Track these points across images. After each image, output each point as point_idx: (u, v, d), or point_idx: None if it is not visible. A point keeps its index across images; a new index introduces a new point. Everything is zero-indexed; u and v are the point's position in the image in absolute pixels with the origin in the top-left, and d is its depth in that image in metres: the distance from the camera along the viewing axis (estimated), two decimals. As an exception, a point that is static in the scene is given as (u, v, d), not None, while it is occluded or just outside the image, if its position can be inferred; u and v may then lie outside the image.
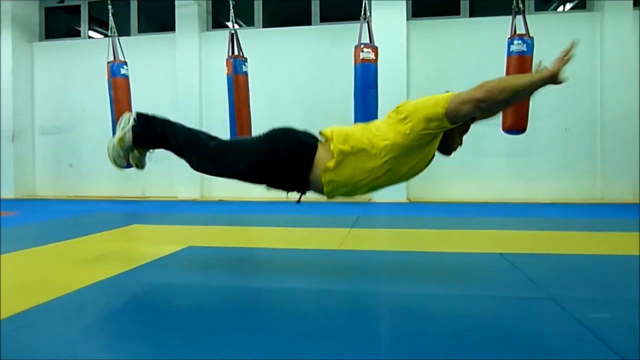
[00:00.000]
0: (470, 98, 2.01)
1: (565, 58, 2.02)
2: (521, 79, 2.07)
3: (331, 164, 2.16)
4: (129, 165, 2.59)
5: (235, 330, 1.68)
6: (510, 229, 4.27)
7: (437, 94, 2.16)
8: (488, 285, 2.28)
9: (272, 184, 2.33)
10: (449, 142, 2.25)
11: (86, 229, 4.23)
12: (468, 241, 3.61)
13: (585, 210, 6.41)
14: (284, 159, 2.21)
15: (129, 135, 2.40)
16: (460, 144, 2.29)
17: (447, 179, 8.06)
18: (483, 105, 2.01)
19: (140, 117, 2.45)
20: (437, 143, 2.19)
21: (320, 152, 2.19)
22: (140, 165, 2.61)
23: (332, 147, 2.17)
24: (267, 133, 2.32)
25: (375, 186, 2.22)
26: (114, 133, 6.77)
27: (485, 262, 2.76)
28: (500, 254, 2.97)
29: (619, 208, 6.60)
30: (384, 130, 2.16)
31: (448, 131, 2.16)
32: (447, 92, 2.20)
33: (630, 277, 2.46)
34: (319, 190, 2.26)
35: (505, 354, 1.46)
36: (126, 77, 6.79)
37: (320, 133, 2.26)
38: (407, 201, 7.74)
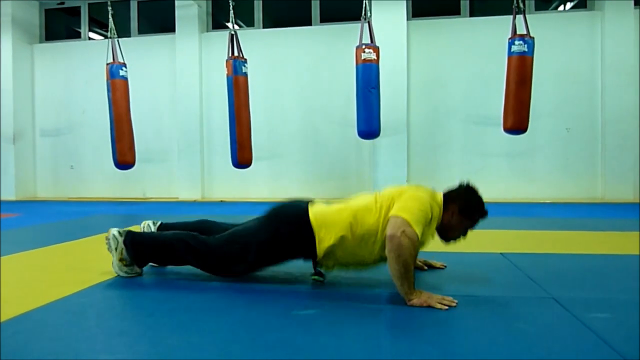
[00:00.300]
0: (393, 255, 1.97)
1: (437, 305, 1.90)
2: (402, 278, 1.95)
3: (320, 254, 2.18)
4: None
5: (235, 331, 1.68)
6: (512, 229, 4.26)
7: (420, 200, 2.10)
8: (489, 285, 2.28)
9: (284, 258, 2.32)
10: (449, 233, 2.24)
11: (87, 231, 4.24)
12: (469, 241, 3.59)
13: (586, 209, 6.41)
14: (287, 236, 2.22)
15: (125, 251, 2.39)
16: (464, 236, 2.26)
17: (447, 178, 8.04)
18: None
19: (127, 233, 2.42)
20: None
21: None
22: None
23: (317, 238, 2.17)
24: (264, 216, 2.32)
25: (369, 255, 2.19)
26: (112, 136, 6.75)
27: (486, 262, 2.76)
28: (502, 253, 2.97)
29: (619, 208, 6.60)
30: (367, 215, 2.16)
31: (446, 223, 2.19)
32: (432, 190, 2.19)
33: (631, 277, 2.46)
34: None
35: (507, 354, 1.46)
36: (125, 78, 6.79)
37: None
38: (408, 201, 7.73)
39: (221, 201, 8.34)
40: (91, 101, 9.07)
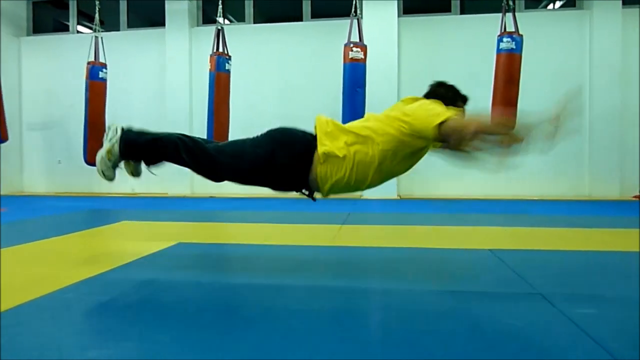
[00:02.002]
0: (465, 127, 1.99)
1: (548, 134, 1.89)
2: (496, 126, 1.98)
3: (322, 161, 2.17)
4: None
5: (226, 328, 1.67)
6: (500, 226, 4.29)
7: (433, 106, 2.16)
8: (477, 281, 2.29)
9: (273, 184, 2.32)
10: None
11: (74, 226, 4.20)
12: (457, 237, 3.63)
13: (573, 207, 6.47)
14: (284, 158, 2.21)
15: (117, 147, 2.35)
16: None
17: (437, 175, 8.08)
18: (470, 139, 1.97)
19: (128, 130, 2.39)
20: (423, 153, 2.24)
21: (317, 151, 2.19)
22: (137, 173, 2.59)
23: (324, 144, 2.17)
24: (265, 133, 2.31)
25: (370, 180, 2.22)
26: (85, 135, 6.69)
27: (474, 258, 2.77)
28: (490, 250, 2.99)
29: (606, 205, 6.67)
30: (382, 126, 2.19)
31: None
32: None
33: (617, 273, 2.49)
34: (316, 188, 2.27)
35: (493, 349, 1.47)
36: (104, 80, 6.78)
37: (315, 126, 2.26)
38: (398, 198, 7.77)
39: (211, 197, 8.30)
40: (79, 95, 8.91)
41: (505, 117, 1.93)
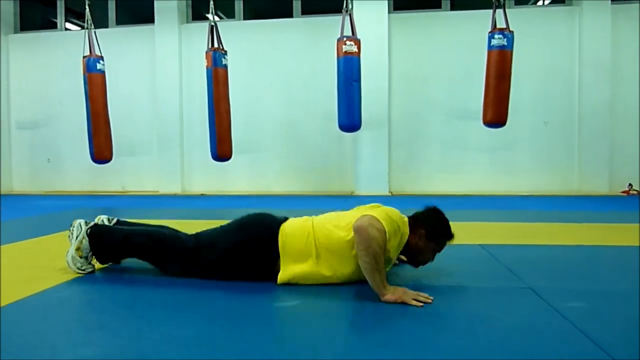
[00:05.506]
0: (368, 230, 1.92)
1: (410, 302, 1.85)
2: (374, 270, 1.90)
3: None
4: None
5: (216, 323, 1.67)
6: (491, 221, 4.32)
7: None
8: (468, 276, 2.31)
9: (243, 274, 2.23)
10: (417, 256, 2.21)
11: (64, 225, 4.15)
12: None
13: (563, 202, 6.52)
14: (252, 249, 2.16)
15: (86, 242, 2.31)
16: (432, 260, 2.22)
17: (428, 172, 8.13)
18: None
19: (95, 225, 2.37)
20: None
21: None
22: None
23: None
24: (237, 221, 2.27)
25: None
26: (89, 131, 6.58)
27: (465, 253, 2.78)
28: (481, 245, 3.01)
29: (595, 200, 6.73)
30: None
31: (413, 247, 2.15)
32: None
33: (607, 268, 2.52)
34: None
35: (483, 343, 1.48)
36: (102, 72, 6.65)
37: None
38: (389, 194, 7.78)
39: (201, 194, 8.28)
40: (68, 93, 8.89)
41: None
